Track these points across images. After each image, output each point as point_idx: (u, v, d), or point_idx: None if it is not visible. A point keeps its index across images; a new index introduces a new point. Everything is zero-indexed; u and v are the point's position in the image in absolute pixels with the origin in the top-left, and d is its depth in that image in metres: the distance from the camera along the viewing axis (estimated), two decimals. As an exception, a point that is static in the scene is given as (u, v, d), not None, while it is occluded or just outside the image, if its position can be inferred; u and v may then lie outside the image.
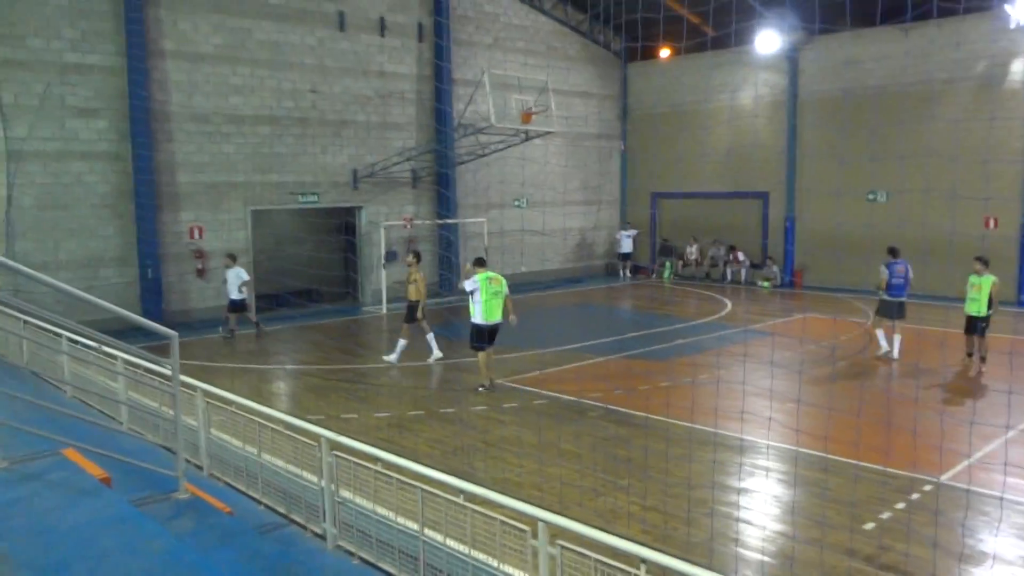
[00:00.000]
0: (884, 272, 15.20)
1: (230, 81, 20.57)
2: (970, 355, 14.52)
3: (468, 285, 13.06)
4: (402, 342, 15.41)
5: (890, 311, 15.24)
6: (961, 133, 21.65)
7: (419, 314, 15.29)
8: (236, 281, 18.03)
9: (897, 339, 15.36)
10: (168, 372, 6.12)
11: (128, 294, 18.88)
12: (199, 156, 20.21)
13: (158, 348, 6.62)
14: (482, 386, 13.23)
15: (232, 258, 18.56)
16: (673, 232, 30.03)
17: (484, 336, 13.06)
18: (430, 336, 15.55)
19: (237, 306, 18.15)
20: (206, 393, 7.64)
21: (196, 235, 20.27)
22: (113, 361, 9.00)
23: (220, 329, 18.36)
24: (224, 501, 6.40)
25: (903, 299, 15.20)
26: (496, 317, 13.12)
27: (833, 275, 24.44)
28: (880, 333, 15.63)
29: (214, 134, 20.38)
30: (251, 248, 21.28)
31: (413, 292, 15.18)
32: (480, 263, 13.51)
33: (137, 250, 19.21)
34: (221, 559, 5.01)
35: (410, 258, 15.57)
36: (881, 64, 24.02)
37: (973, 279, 14.35)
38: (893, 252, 15.49)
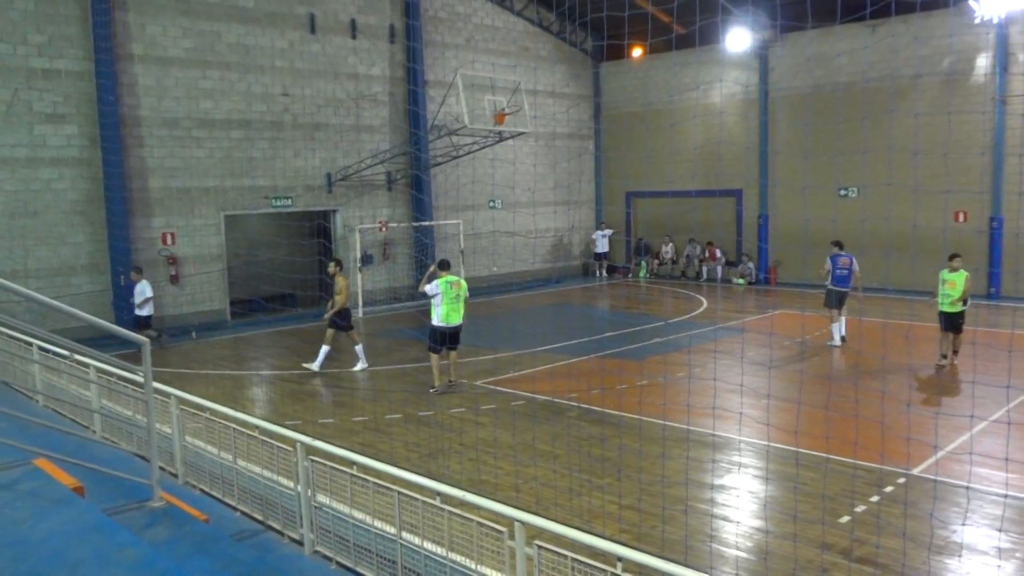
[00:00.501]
0: (828, 264, 16.38)
1: (200, 85, 20.41)
2: (944, 356, 14.54)
3: (429, 289, 13.15)
4: (360, 348, 15.34)
5: (832, 300, 16.46)
6: (929, 128, 21.95)
7: (326, 317, 14.90)
8: (140, 297, 17.13)
9: (842, 321, 16.55)
10: (140, 380, 6.07)
11: (101, 302, 18.69)
12: (170, 161, 20.04)
13: (131, 356, 6.57)
14: (433, 387, 13.35)
15: (138, 271, 17.65)
16: (648, 231, 30.20)
17: (441, 338, 13.20)
18: (359, 347, 15.35)
19: (143, 323, 16.90)
20: (180, 400, 7.59)
21: (169, 241, 20.09)
22: (86, 370, 8.92)
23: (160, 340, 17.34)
24: (200, 509, 6.35)
25: (847, 289, 16.33)
26: (455, 320, 13.25)
27: (807, 271, 24.62)
28: (833, 327, 16.54)
29: (185, 139, 20.22)
30: (225, 253, 21.14)
31: (340, 300, 14.81)
32: (444, 266, 13.60)
33: (109, 257, 19.01)
34: (197, 567, 4.98)
35: (332, 266, 15.11)
36: (849, 60, 24.30)
37: (946, 275, 14.39)
38: (838, 245, 16.67)
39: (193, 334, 19.06)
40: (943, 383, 13.75)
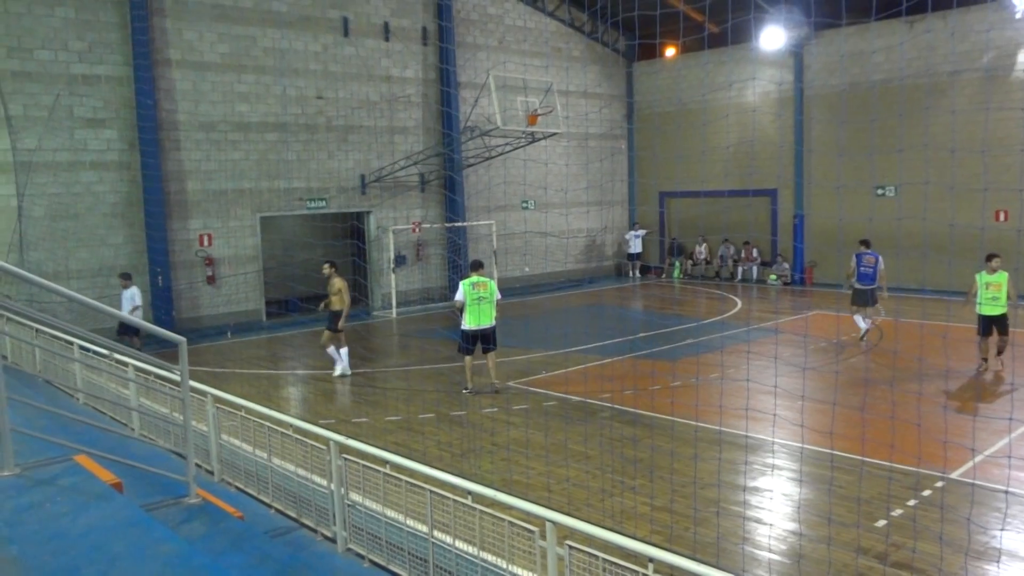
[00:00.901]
0: (853, 262, 16.58)
1: (236, 89, 20.69)
2: (985, 360, 14.02)
3: (458, 296, 13.28)
4: (334, 350, 14.91)
5: (859, 299, 16.57)
6: (968, 125, 21.57)
7: (340, 324, 14.63)
8: (128, 304, 15.46)
9: (867, 323, 16.57)
10: (177, 378, 6.17)
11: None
12: (207, 164, 20.33)
13: (169, 355, 6.68)
14: (466, 388, 13.37)
15: (127, 278, 15.93)
16: (682, 231, 30.01)
17: (470, 340, 13.22)
18: (344, 350, 14.98)
19: (129, 331, 14.82)
20: (216, 398, 7.70)
21: (206, 242, 20.38)
22: (124, 368, 9.08)
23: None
24: (235, 506, 6.44)
25: (872, 287, 16.36)
26: (484, 322, 13.17)
27: (844, 271, 24.32)
28: (857, 318, 16.68)
29: (221, 142, 20.50)
30: (260, 254, 21.38)
31: (337, 302, 14.55)
32: (474, 266, 13.66)
33: (148, 258, 19.33)
34: (232, 563, 5.05)
35: (326, 267, 14.77)
36: (886, 57, 23.95)
37: (987, 278, 13.78)
38: (865, 243, 16.75)
39: (228, 334, 19.33)
40: (981, 385, 13.49)
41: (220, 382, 13.25)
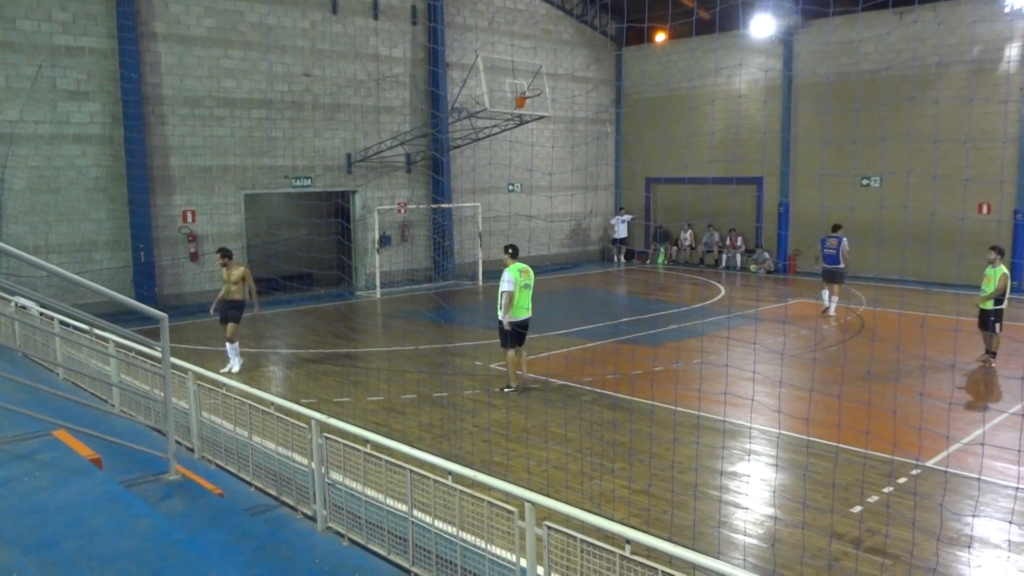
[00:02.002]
0: (819, 245, 18.62)
1: (222, 64, 20.49)
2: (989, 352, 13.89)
3: (506, 285, 11.92)
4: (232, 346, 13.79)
5: (825, 277, 18.52)
6: (954, 118, 21.68)
7: (256, 312, 13.87)
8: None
9: (834, 300, 18.32)
10: (158, 355, 6.15)
11: (121, 278, 18.90)
12: (192, 140, 20.16)
13: (151, 332, 6.65)
14: (509, 387, 12.28)
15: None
16: (667, 217, 30.07)
17: (513, 333, 12.03)
18: (236, 345, 13.82)
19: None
20: (197, 376, 7.69)
21: (189, 219, 20.25)
22: (105, 344, 9.04)
23: None
24: (215, 483, 6.45)
25: (834, 267, 18.12)
26: (527, 313, 12.18)
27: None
28: (824, 293, 18.61)
29: (207, 117, 20.33)
30: (244, 232, 21.27)
31: (237, 291, 13.49)
32: (515, 252, 12.53)
33: (130, 234, 19.20)
34: (211, 539, 5.07)
35: (219, 258, 13.71)
36: (875, 48, 24.01)
37: (987, 271, 13.70)
38: (834, 228, 18.46)
39: (212, 310, 19.14)
40: (960, 375, 13.64)
41: (202, 359, 13.22)
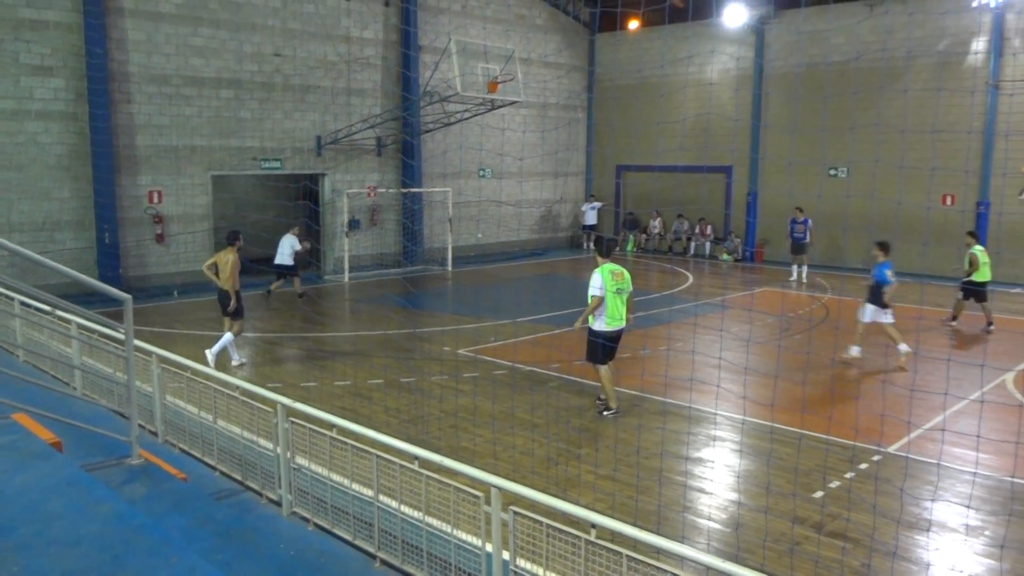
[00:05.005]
0: (788, 227, 22.36)
1: (191, 42, 20.16)
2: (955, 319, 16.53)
3: (594, 290, 10.18)
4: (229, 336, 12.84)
5: (793, 251, 22.45)
6: (921, 110, 21.96)
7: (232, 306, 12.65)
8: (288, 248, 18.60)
9: (804, 268, 22.14)
10: (122, 337, 6.07)
11: (85, 258, 18.58)
12: (159, 119, 19.84)
13: (115, 314, 6.54)
14: (609, 410, 10.51)
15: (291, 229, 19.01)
16: (637, 205, 30.17)
17: (606, 346, 10.33)
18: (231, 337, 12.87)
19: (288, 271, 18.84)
20: (161, 358, 7.59)
21: (155, 199, 19.95)
22: (67, 325, 8.90)
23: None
24: (179, 467, 6.40)
25: (803, 242, 22.01)
26: (622, 322, 10.39)
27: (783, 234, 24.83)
28: (793, 268, 22.27)
29: (174, 96, 20.01)
30: (212, 214, 21.01)
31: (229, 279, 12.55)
32: (608, 249, 10.65)
33: (94, 214, 18.87)
34: (173, 524, 5.02)
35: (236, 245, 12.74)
36: (845, 39, 24.21)
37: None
38: (799, 210, 22.01)
39: (175, 293, 19.00)
40: (922, 363, 13.86)
41: (167, 342, 13.07)
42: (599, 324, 10.25)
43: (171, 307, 17.82)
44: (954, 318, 16.45)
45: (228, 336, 12.73)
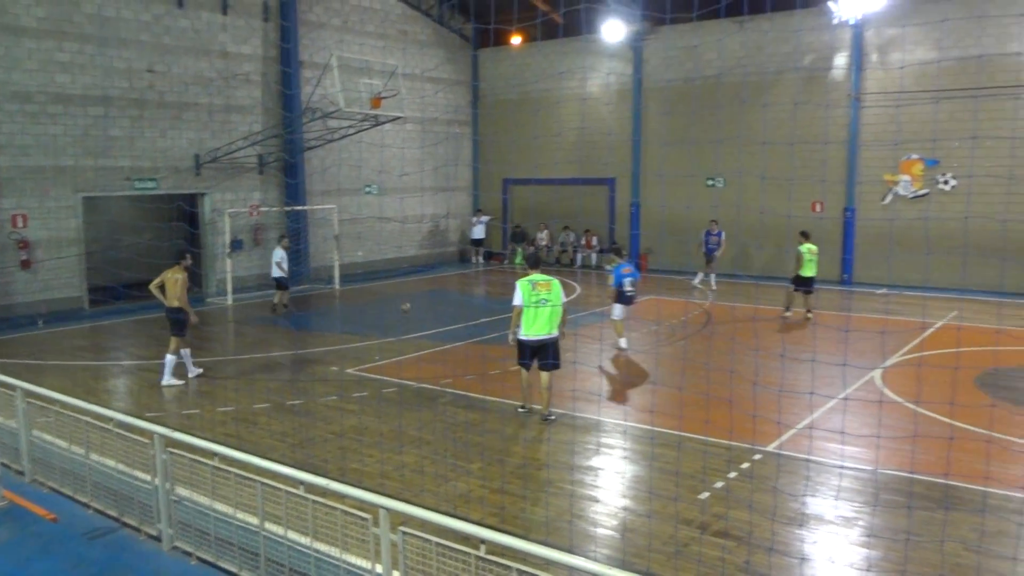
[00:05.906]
0: (702, 236, 23.05)
1: (56, 58, 19.24)
2: (788, 309, 18.26)
3: (515, 302, 10.91)
4: (185, 352, 13.22)
5: (707, 260, 23.08)
6: (790, 122, 23.10)
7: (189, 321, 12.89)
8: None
9: (712, 276, 22.98)
10: (-20, 372, 5.74)
11: (-58, 288, 17.44)
12: (21, 138, 18.81)
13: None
14: (520, 407, 11.32)
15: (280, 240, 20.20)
16: (524, 218, 30.52)
17: (524, 351, 10.99)
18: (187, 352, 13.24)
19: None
20: (27, 392, 7.21)
21: (20, 224, 18.89)
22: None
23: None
24: (48, 507, 6.10)
25: (715, 253, 22.86)
26: (542, 331, 10.82)
27: (677, 258, 25.67)
28: (700, 275, 23.25)
29: (39, 114, 19.03)
30: (83, 237, 20.04)
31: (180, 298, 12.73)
32: (535, 262, 11.60)
33: (-48, 240, 17.74)
34: (39, 570, 4.78)
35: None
36: (718, 55, 25.23)
37: (810, 246, 18.04)
38: (713, 222, 22.88)
39: (40, 323, 17.98)
40: (790, 362, 14.53)
41: (35, 375, 12.41)
42: (520, 332, 10.97)
43: (37, 337, 16.89)
44: (787, 308, 18.31)
45: (170, 358, 12.84)
